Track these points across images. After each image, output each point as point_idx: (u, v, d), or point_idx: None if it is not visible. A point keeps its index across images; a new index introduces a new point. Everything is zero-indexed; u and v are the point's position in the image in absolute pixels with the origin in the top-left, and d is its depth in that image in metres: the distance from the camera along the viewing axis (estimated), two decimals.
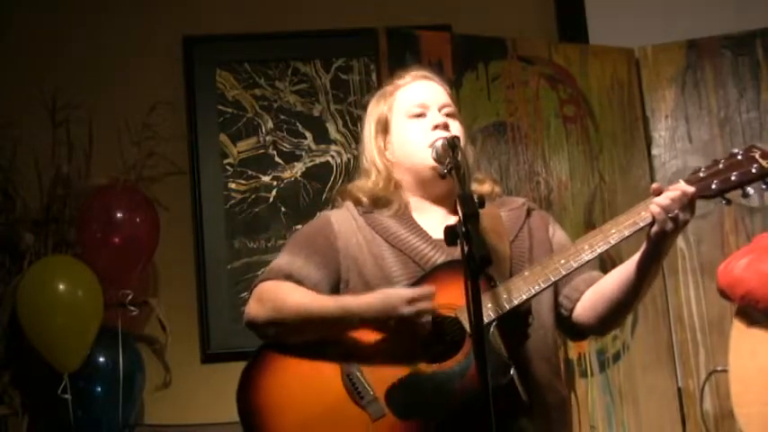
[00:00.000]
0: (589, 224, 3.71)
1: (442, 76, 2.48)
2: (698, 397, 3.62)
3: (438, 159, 2.26)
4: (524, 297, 2.14)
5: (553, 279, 2.16)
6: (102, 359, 3.68)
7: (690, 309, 3.72)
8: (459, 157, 2.15)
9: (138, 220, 3.84)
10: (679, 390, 3.69)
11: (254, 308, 2.28)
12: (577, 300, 2.31)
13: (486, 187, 2.39)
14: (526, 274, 2.16)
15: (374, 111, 2.45)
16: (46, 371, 3.56)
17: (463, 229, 1.91)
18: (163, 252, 3.93)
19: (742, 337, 3.04)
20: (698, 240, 3.70)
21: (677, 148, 3.83)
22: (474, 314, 1.86)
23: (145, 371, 3.83)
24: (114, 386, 3.65)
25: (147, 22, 4.17)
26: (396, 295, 2.13)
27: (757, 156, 2.15)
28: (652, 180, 3.80)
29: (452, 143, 2.21)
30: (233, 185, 4.08)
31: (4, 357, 3.65)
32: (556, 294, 2.33)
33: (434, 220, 2.33)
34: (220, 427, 3.48)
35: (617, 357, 3.64)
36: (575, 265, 2.16)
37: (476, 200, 1.98)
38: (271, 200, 4.08)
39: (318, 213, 2.48)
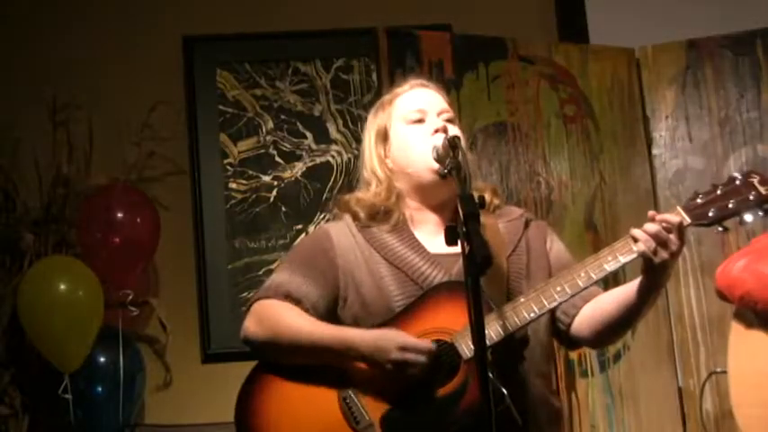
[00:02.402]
0: (589, 224, 3.70)
1: (441, 80, 2.47)
2: (698, 397, 3.62)
3: (438, 159, 2.25)
4: (519, 324, 2.14)
5: (548, 306, 2.16)
6: (102, 359, 3.68)
7: (690, 308, 3.72)
8: (460, 158, 2.15)
9: (138, 220, 3.84)
10: (679, 389, 3.69)
11: (253, 327, 2.28)
12: (575, 315, 2.31)
13: (485, 196, 2.35)
14: (522, 300, 2.16)
15: (373, 121, 2.44)
16: (46, 371, 3.56)
17: (464, 229, 1.91)
18: (163, 252, 3.93)
19: (741, 338, 3.02)
20: (698, 240, 3.70)
21: (677, 147, 3.83)
22: (474, 315, 1.86)
23: (145, 371, 3.83)
24: (115, 386, 3.64)
25: (147, 22, 4.16)
26: (391, 339, 2.13)
27: (756, 182, 2.12)
28: (653, 180, 3.80)
29: (453, 143, 2.20)
30: (233, 185, 4.07)
31: (5, 357, 3.65)
32: (553, 309, 2.31)
33: (433, 231, 2.31)
34: (220, 427, 3.47)
35: (617, 357, 3.64)
36: (570, 292, 2.16)
37: (476, 200, 1.98)
38: (271, 200, 4.08)
39: (317, 227, 2.47)
